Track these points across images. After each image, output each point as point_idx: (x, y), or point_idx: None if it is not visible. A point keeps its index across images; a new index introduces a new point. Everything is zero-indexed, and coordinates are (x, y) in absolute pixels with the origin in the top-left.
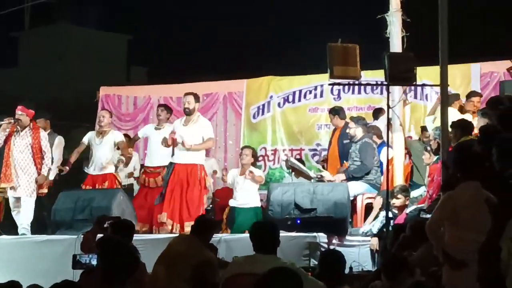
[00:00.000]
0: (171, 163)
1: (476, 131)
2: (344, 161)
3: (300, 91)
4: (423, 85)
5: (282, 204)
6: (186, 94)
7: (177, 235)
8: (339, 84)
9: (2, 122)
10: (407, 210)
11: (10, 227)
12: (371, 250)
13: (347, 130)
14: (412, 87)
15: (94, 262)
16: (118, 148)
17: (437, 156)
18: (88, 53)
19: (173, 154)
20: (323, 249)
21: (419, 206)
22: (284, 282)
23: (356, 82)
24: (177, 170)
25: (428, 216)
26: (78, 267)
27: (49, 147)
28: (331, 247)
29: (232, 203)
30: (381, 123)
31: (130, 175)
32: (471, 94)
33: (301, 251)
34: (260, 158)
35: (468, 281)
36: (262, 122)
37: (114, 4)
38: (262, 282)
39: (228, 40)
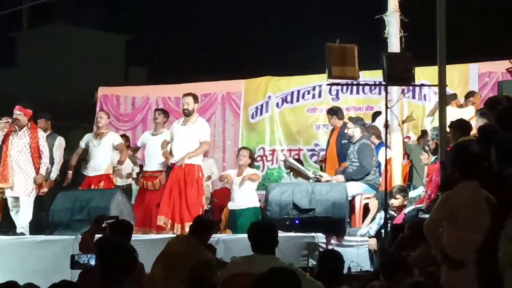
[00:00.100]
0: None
1: (474, 131)
2: (342, 162)
3: (298, 91)
4: (421, 85)
5: (281, 204)
6: (185, 95)
7: (175, 235)
8: (337, 84)
9: (0, 122)
10: (406, 210)
11: (8, 227)
12: (369, 250)
13: (345, 131)
14: (410, 87)
15: (92, 262)
16: (116, 148)
17: (435, 156)
18: (86, 53)
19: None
20: (321, 249)
21: (417, 206)
22: (283, 282)
23: (354, 82)
24: (175, 170)
25: (427, 216)
26: (76, 267)
27: (47, 147)
28: (330, 247)
29: (231, 205)
30: (379, 123)
31: (129, 175)
32: (469, 94)
33: (299, 251)
34: (259, 158)
35: (466, 281)
36: (260, 122)
37: (112, 5)
38: (261, 282)
39: (226, 41)
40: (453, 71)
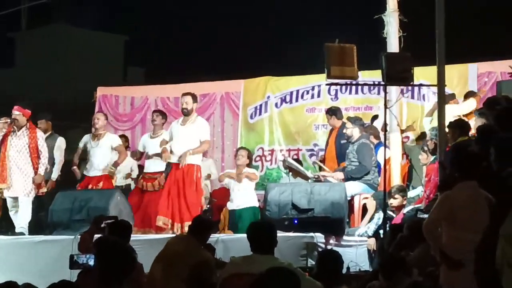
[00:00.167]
0: (169, 163)
1: (473, 131)
2: (341, 162)
3: (297, 91)
4: (420, 85)
5: (280, 204)
6: (184, 94)
7: (174, 235)
8: (336, 84)
9: None
10: (405, 210)
11: (7, 227)
12: (368, 250)
13: (344, 130)
14: (409, 87)
15: (91, 262)
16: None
17: (434, 156)
18: (85, 54)
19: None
20: (320, 249)
21: (416, 206)
22: (282, 282)
23: (353, 82)
24: (174, 171)
25: (426, 216)
26: (75, 267)
27: (46, 147)
28: (329, 247)
29: (230, 206)
30: (378, 123)
31: (128, 176)
32: (468, 94)
33: (298, 251)
34: (258, 159)
35: (465, 281)
36: (259, 122)
37: (111, 5)
38: (260, 282)
39: (225, 41)
40: (452, 71)
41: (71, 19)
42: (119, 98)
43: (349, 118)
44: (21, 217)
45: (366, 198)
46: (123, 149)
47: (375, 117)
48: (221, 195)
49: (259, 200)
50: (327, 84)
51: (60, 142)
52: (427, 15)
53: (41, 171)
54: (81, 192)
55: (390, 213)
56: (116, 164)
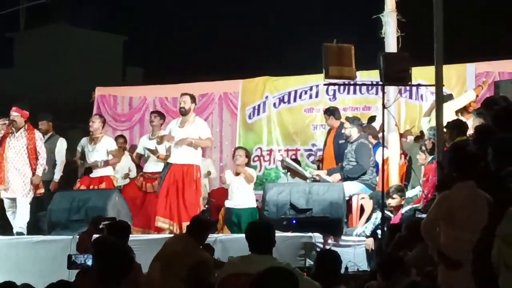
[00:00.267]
0: (167, 163)
1: (471, 131)
2: (340, 162)
3: (296, 91)
4: (418, 85)
5: (278, 204)
6: (183, 94)
7: (173, 235)
8: (334, 84)
9: None
10: (403, 210)
11: (5, 228)
12: (367, 250)
13: (343, 130)
14: (407, 87)
15: (89, 262)
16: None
17: (432, 156)
18: (83, 54)
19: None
20: (318, 249)
21: (414, 206)
22: (280, 282)
23: (352, 82)
24: (173, 170)
25: (424, 216)
26: (73, 267)
27: (44, 148)
28: (327, 247)
29: (228, 204)
30: (376, 123)
31: (126, 176)
32: None
33: (296, 251)
34: (256, 159)
35: (463, 281)
36: (257, 122)
37: (110, 5)
38: (258, 282)
39: (224, 41)
40: (451, 71)
41: (70, 19)
42: (118, 98)
43: (347, 118)
44: (20, 217)
45: (364, 198)
46: (118, 154)
47: (371, 119)
48: (220, 195)
49: (257, 200)
50: (325, 84)
51: (61, 143)
52: (425, 15)
53: (39, 172)
54: (79, 192)
55: (388, 213)
56: (106, 163)
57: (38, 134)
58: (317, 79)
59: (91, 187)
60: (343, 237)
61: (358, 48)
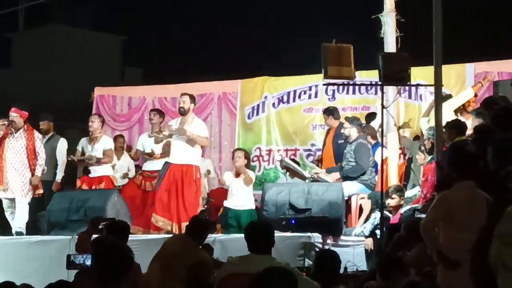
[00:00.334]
0: (166, 162)
1: (470, 131)
2: (339, 162)
3: (295, 91)
4: (417, 85)
5: (277, 204)
6: (182, 94)
7: (171, 235)
8: (333, 84)
9: None
10: (402, 210)
11: (4, 228)
12: (366, 250)
13: (342, 130)
14: (407, 87)
15: (88, 262)
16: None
17: (431, 156)
18: (82, 54)
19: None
20: (317, 249)
21: (413, 206)
22: (279, 281)
23: (351, 82)
24: (172, 170)
25: (423, 216)
26: (72, 267)
27: (43, 148)
28: (326, 247)
29: (226, 203)
30: (375, 123)
31: (125, 175)
32: None
33: (295, 251)
34: (255, 159)
35: (462, 281)
36: (256, 122)
37: (108, 5)
38: (257, 282)
39: (222, 41)
40: (450, 71)
41: (68, 19)
42: (117, 98)
43: (347, 118)
44: (19, 218)
45: (363, 198)
46: (111, 154)
47: (370, 116)
48: (219, 195)
49: (256, 200)
50: (324, 84)
51: (62, 143)
52: (424, 15)
53: (38, 172)
54: (79, 193)
55: (387, 213)
56: (98, 160)
57: (37, 135)
58: (316, 79)
59: (93, 187)
60: (342, 237)
61: (357, 48)
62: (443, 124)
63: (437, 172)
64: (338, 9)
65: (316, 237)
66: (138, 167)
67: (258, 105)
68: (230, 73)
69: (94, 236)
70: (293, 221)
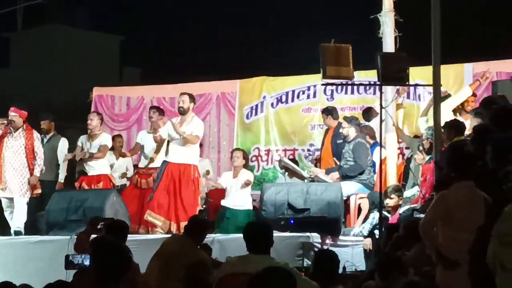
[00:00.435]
0: (164, 161)
1: (469, 131)
2: (338, 162)
3: (293, 91)
4: (415, 85)
5: (276, 204)
6: (182, 93)
7: (170, 235)
8: (332, 84)
9: None
10: (401, 210)
11: (3, 228)
12: (365, 250)
13: (340, 130)
14: (405, 87)
15: (86, 262)
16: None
17: (430, 156)
18: (80, 54)
19: (167, 154)
20: (316, 249)
21: (412, 206)
22: (278, 281)
23: (349, 82)
24: (170, 169)
25: (422, 215)
26: (70, 267)
27: (42, 148)
28: (325, 247)
29: (224, 202)
30: (374, 123)
31: (124, 175)
32: None
33: (294, 251)
34: (254, 159)
35: (461, 281)
36: (255, 122)
37: (106, 5)
38: (256, 282)
39: (221, 41)
40: (448, 71)
41: (67, 19)
42: (115, 98)
43: (345, 118)
44: (17, 217)
45: (362, 198)
46: (105, 150)
47: (367, 110)
48: (218, 195)
49: (255, 200)
50: (322, 84)
51: (63, 143)
52: (423, 15)
53: (37, 172)
54: (77, 193)
55: (386, 213)
56: (91, 155)
57: (36, 134)
58: (315, 79)
59: (92, 186)
60: (340, 237)
61: (356, 48)
62: (442, 124)
63: (436, 172)
64: (337, 9)
65: (314, 237)
66: (136, 167)
67: (256, 105)
68: (229, 73)
69: (93, 236)
70: (291, 221)
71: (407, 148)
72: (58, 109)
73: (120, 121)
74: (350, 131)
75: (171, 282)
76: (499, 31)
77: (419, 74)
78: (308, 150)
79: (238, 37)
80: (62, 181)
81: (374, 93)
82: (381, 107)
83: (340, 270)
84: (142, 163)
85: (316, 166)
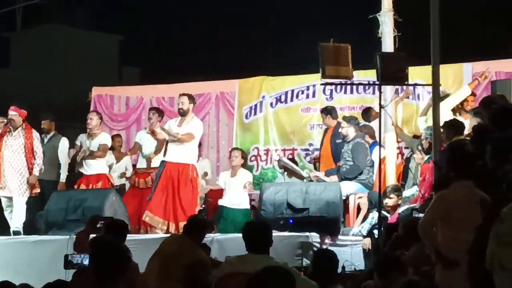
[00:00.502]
0: (163, 161)
1: (467, 131)
2: (337, 162)
3: (292, 91)
4: (415, 85)
5: (275, 204)
6: (181, 95)
7: (169, 235)
8: (331, 84)
9: None
10: (400, 210)
11: (4, 228)
12: (364, 250)
13: (339, 130)
14: (404, 87)
15: (86, 262)
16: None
17: (429, 156)
18: (80, 54)
19: (165, 154)
20: (315, 249)
21: (411, 205)
22: (277, 281)
23: (348, 82)
24: (169, 169)
25: (421, 215)
26: (69, 267)
27: (41, 147)
28: (324, 246)
29: (221, 202)
30: (375, 124)
31: (123, 175)
32: None
33: (293, 250)
34: (253, 158)
35: (460, 281)
36: (254, 122)
37: (106, 5)
38: (255, 281)
39: (220, 41)
40: (447, 70)
41: (66, 19)
42: (114, 98)
43: (344, 118)
44: (16, 217)
45: (361, 197)
46: (106, 149)
47: (366, 111)
48: (217, 195)
49: (254, 200)
50: (322, 84)
51: (64, 143)
52: (422, 14)
53: (36, 171)
54: (76, 192)
55: (385, 213)
56: (91, 153)
57: (35, 134)
58: (314, 79)
59: (90, 185)
60: (340, 237)
61: (355, 47)
62: (441, 123)
63: (435, 172)
64: (336, 9)
65: (314, 237)
66: (135, 167)
67: (255, 105)
68: (228, 73)
69: (92, 235)
70: (291, 221)
71: (406, 147)
72: (57, 108)
73: (119, 121)
74: (349, 130)
75: (170, 282)
76: (498, 31)
77: (418, 73)
78: (307, 150)
79: (238, 37)
80: (64, 181)
81: (373, 92)
82: (380, 107)
83: (339, 270)
84: (140, 164)
85: (315, 165)
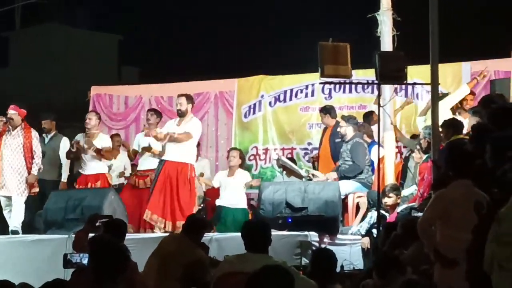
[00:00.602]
0: (161, 160)
1: (466, 130)
2: (336, 161)
3: (291, 90)
4: (413, 84)
5: (274, 203)
6: (179, 95)
7: (168, 234)
8: (330, 83)
9: None
10: (399, 209)
11: (3, 227)
12: (362, 249)
13: (338, 129)
14: (403, 86)
15: (85, 261)
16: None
17: (427, 155)
18: (79, 53)
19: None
20: (314, 248)
21: (410, 204)
22: (276, 280)
23: (347, 81)
24: (167, 167)
25: (420, 214)
26: (68, 266)
27: (40, 147)
28: (323, 245)
29: (219, 202)
30: (375, 129)
31: (121, 174)
32: None
33: (292, 250)
34: (252, 158)
35: (459, 280)
36: (253, 121)
37: (105, 5)
38: (254, 280)
39: (219, 40)
40: (446, 69)
41: (65, 18)
42: (113, 97)
43: (343, 117)
44: (15, 217)
45: (360, 196)
46: (110, 150)
47: (367, 114)
48: (215, 194)
49: (253, 199)
50: (321, 83)
51: (64, 143)
52: (420, 13)
53: (35, 171)
54: (75, 191)
55: (383, 212)
56: (97, 150)
57: (34, 133)
58: (313, 78)
59: (89, 185)
60: (338, 236)
61: (354, 47)
62: (440, 123)
63: (434, 171)
64: (335, 9)
65: (312, 236)
66: (134, 166)
67: (254, 104)
68: (227, 73)
69: (91, 234)
70: (289, 220)
71: (405, 147)
72: (57, 108)
73: (118, 120)
74: (348, 130)
75: (169, 281)
76: (497, 30)
77: (417, 72)
78: (306, 149)
79: (238, 37)
80: (65, 180)
81: (372, 92)
82: (379, 106)
83: (338, 269)
84: (142, 165)
85: (314, 165)
